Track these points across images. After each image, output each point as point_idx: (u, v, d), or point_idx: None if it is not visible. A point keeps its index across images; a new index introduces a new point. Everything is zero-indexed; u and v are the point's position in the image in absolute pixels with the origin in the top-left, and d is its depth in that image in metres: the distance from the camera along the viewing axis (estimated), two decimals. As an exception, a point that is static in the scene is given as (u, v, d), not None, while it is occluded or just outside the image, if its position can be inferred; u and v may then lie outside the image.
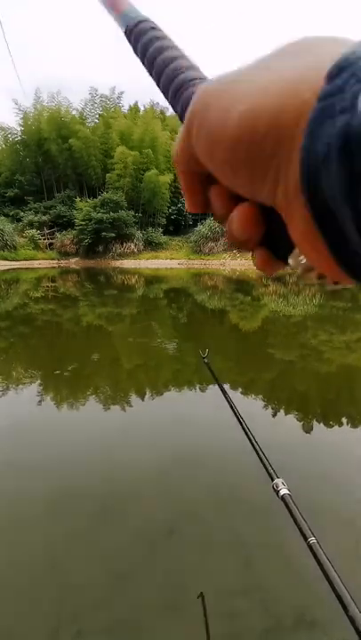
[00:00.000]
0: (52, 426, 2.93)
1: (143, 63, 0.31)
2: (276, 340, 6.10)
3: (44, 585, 1.50)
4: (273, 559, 1.63)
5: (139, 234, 26.21)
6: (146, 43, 0.30)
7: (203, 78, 0.27)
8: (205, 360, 1.70)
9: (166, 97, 0.28)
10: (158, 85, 0.29)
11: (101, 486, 2.11)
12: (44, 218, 27.11)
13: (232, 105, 0.16)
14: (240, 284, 14.91)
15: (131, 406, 3.28)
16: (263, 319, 7.80)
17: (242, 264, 23.45)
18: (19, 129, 28.55)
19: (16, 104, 28.02)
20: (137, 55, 0.32)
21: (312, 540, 0.42)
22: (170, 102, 0.28)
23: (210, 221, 26.41)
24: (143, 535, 1.74)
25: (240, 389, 3.73)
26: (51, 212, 27.44)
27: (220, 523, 1.83)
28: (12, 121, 30.03)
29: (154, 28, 0.31)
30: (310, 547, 0.41)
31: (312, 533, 0.49)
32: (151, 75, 0.30)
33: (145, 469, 2.28)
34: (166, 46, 0.30)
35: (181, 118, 0.25)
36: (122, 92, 29.98)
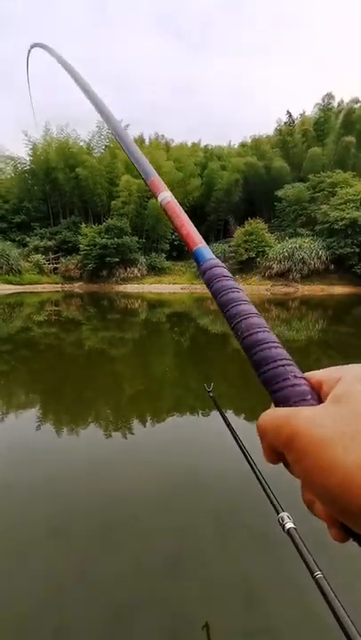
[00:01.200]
0: (53, 450, 2.88)
1: (214, 299, 0.35)
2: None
3: (42, 617, 1.44)
4: (278, 593, 1.55)
5: (142, 259, 26.60)
6: (218, 288, 0.35)
7: (274, 344, 0.29)
8: (211, 394, 1.68)
9: (239, 340, 0.32)
10: (231, 327, 0.32)
11: (101, 513, 2.05)
12: (50, 243, 27.65)
13: (330, 468, 0.19)
14: (242, 309, 14.90)
15: (132, 433, 3.23)
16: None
17: (244, 289, 23.24)
18: (28, 159, 29.66)
19: (26, 135, 29.21)
20: (209, 289, 0.37)
21: (318, 574, 0.40)
22: (237, 340, 0.31)
23: (213, 247, 26.79)
24: (144, 566, 1.68)
25: (244, 416, 3.68)
26: (56, 237, 28.01)
27: (225, 557, 1.76)
28: (22, 151, 31.48)
29: (226, 276, 0.36)
30: (317, 581, 0.40)
31: (318, 567, 0.48)
32: (223, 313, 0.34)
33: (146, 500, 2.22)
34: (237, 299, 0.34)
35: (252, 361, 0.29)
36: (127, 125, 31.04)
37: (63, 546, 1.81)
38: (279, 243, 24.57)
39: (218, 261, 0.38)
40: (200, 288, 24.90)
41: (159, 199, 0.46)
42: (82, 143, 30.26)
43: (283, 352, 0.28)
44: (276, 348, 0.29)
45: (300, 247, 23.35)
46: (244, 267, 25.02)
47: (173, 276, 26.95)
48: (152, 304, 16.19)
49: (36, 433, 3.19)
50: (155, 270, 27.10)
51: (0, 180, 30.18)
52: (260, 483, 0.95)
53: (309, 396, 0.25)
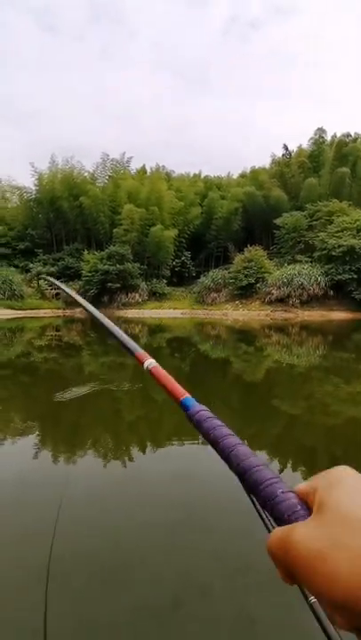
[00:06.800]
0: (50, 481, 2.81)
1: (206, 438, 0.42)
2: (280, 391, 5.99)
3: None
4: (275, 621, 1.48)
5: (143, 285, 26.89)
6: (208, 427, 0.43)
7: (259, 467, 0.34)
8: None
9: (229, 465, 0.38)
10: (223, 458, 0.39)
11: (102, 551, 1.97)
12: (52, 269, 28.04)
13: (338, 574, 0.19)
14: (243, 334, 14.95)
15: (132, 461, 3.17)
16: (267, 369, 7.72)
17: (244, 314, 23.69)
18: (34, 189, 30.64)
19: (32, 167, 30.27)
20: (198, 429, 0.45)
21: (313, 599, 0.39)
22: (230, 469, 0.38)
23: (213, 273, 27.14)
24: (146, 608, 1.60)
25: (246, 442, 3.61)
26: (59, 263, 28.46)
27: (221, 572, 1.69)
28: (29, 181, 32.52)
29: (210, 417, 0.44)
30: (311, 606, 0.38)
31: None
32: (213, 447, 0.41)
33: (148, 530, 2.15)
34: (226, 433, 0.41)
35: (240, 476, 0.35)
36: (131, 157, 32.33)
37: (58, 588, 1.74)
38: (278, 269, 24.88)
39: (202, 406, 0.47)
40: (200, 313, 24.99)
41: (145, 365, 0.58)
42: (86, 174, 31.27)
43: (269, 472, 0.33)
44: (262, 470, 0.33)
45: (298, 273, 23.63)
46: (244, 292, 25.22)
47: (174, 302, 27.14)
48: (152, 329, 16.21)
49: (31, 463, 3.12)
50: (155, 296, 27.32)
51: (6, 208, 30.99)
52: (253, 502, 0.93)
53: (299, 507, 0.26)
